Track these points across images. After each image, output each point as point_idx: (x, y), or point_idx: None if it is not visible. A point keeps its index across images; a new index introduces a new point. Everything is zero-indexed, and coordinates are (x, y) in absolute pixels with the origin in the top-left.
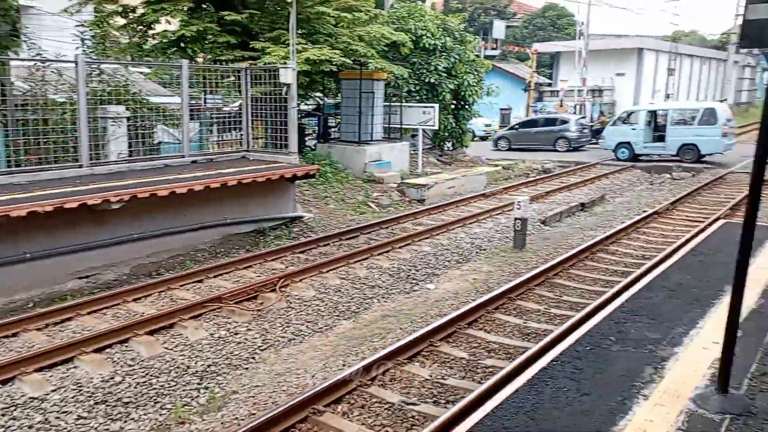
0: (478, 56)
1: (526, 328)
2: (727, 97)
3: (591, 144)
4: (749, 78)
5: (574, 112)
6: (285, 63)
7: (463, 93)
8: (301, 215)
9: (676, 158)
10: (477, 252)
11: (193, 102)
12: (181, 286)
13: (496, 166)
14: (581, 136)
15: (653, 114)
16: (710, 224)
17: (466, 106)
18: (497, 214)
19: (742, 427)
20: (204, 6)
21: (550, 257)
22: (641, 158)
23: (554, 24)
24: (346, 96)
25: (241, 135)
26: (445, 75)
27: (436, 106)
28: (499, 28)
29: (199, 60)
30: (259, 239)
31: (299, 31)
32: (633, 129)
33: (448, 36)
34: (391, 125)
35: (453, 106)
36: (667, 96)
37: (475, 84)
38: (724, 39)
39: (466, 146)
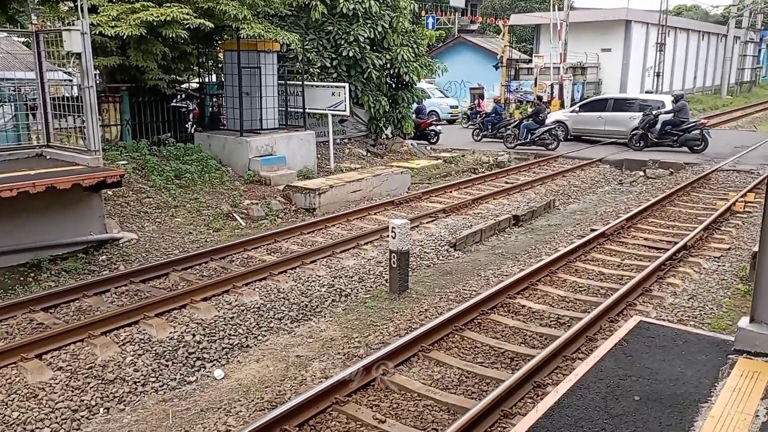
0: (416, 25)
1: None
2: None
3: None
4: (752, 55)
5: (551, 93)
6: (72, 24)
7: (397, 70)
8: (114, 237)
9: None
10: (333, 301)
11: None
12: None
13: (438, 159)
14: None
15: None
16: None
17: (408, 86)
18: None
19: None
20: None
21: (431, 312)
22: None
23: None
24: (228, 73)
25: (29, 124)
26: (370, 47)
27: (346, 86)
28: None
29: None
30: (31, 276)
31: None
32: None
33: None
34: (293, 109)
35: (388, 86)
36: (657, 75)
37: (412, 59)
38: (726, 13)
39: (408, 134)
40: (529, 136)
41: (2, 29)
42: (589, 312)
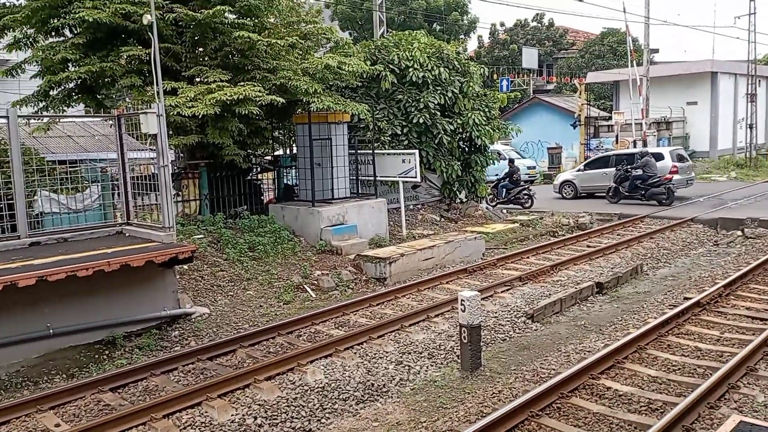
0: (488, 89)
1: None
2: None
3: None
4: None
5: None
6: (149, 107)
7: (468, 134)
8: (187, 312)
9: None
10: (401, 379)
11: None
12: None
13: (514, 222)
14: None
15: None
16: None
17: (480, 150)
18: None
19: None
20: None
21: (506, 394)
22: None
23: (614, 51)
24: (300, 145)
25: (114, 203)
26: (441, 113)
27: (416, 153)
28: (530, 57)
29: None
30: (105, 354)
31: (216, 62)
32: None
33: (443, 66)
34: (364, 177)
35: (460, 150)
36: (750, 127)
37: (484, 123)
38: None
39: (482, 197)
40: (507, 195)
41: (87, 115)
42: (685, 396)
